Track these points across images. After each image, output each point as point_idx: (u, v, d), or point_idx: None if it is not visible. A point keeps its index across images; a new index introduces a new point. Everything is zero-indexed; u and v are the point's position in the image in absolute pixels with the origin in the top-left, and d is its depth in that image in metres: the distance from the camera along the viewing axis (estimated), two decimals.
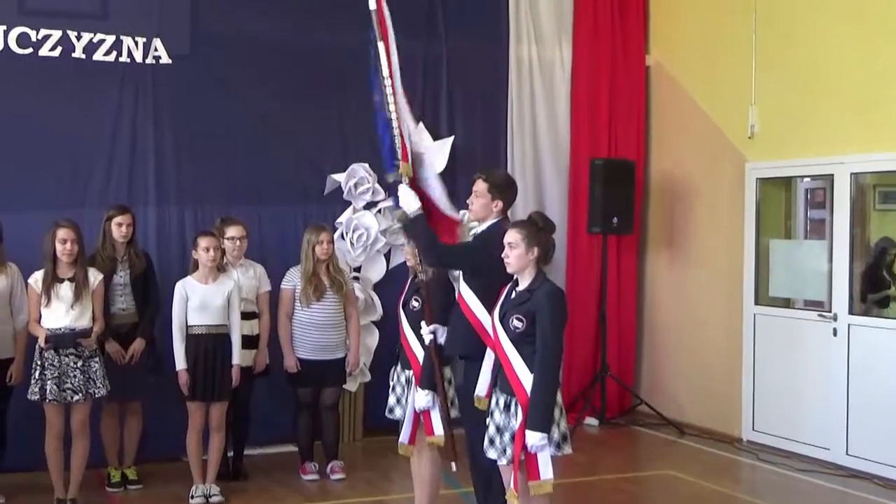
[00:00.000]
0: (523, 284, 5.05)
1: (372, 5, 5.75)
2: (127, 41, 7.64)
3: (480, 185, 5.56)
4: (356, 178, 8.23)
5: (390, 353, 8.13)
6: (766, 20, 8.38)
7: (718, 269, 8.86)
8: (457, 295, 5.54)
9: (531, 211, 8.17)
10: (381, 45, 5.82)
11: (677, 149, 9.40)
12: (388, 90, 5.76)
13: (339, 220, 8.17)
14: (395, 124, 5.70)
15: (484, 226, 5.57)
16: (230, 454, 7.21)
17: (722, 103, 8.82)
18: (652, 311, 9.68)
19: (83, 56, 7.52)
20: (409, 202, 5.59)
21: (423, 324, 5.73)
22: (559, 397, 4.96)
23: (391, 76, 5.78)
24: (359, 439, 8.45)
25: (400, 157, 5.67)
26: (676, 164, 9.40)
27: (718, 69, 8.86)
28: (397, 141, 5.67)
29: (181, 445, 6.84)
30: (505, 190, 5.60)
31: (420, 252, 5.67)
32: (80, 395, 6.36)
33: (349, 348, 7.40)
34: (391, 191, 8.26)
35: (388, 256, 8.48)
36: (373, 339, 8.25)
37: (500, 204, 5.55)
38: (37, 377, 6.34)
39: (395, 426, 8.24)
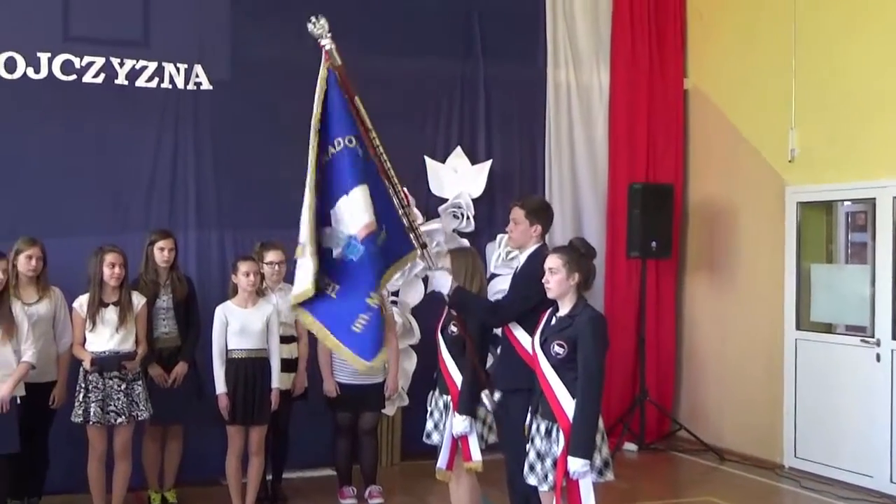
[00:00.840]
0: (564, 310, 5.06)
1: (335, 60, 5.43)
2: (168, 67, 7.77)
3: (518, 213, 5.65)
4: None
5: (428, 377, 8.20)
6: (805, 42, 8.36)
7: (759, 294, 8.80)
8: (504, 328, 5.59)
9: (570, 236, 8.44)
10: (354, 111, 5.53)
11: (716, 173, 9.37)
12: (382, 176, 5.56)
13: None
14: (398, 209, 5.58)
15: (525, 254, 5.65)
16: (269, 478, 7.23)
17: (761, 127, 8.79)
18: (691, 336, 9.63)
19: (126, 82, 7.65)
20: (443, 283, 5.64)
21: (484, 394, 5.69)
22: (601, 423, 4.95)
23: (376, 155, 5.56)
24: (396, 463, 8.46)
25: (416, 245, 5.63)
26: (715, 188, 9.37)
27: (757, 92, 8.84)
28: (405, 226, 5.61)
29: (221, 469, 6.90)
30: (542, 214, 5.68)
31: (479, 320, 5.69)
32: (124, 417, 6.43)
33: (388, 372, 7.40)
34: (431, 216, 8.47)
35: (426, 281, 8.41)
36: (411, 363, 8.27)
37: (539, 228, 5.63)
38: (81, 399, 6.43)
39: (433, 450, 8.34)
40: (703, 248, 9.50)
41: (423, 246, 5.68)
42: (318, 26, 5.34)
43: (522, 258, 5.68)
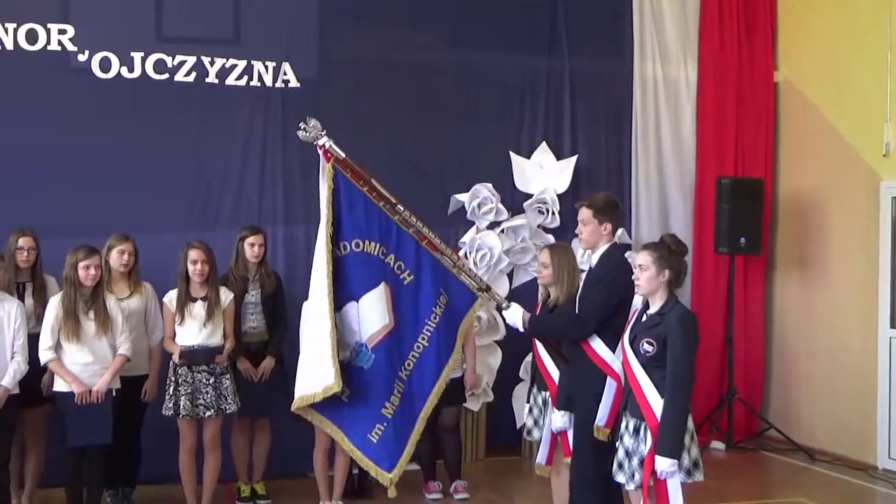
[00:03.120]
0: (654, 307, 5.04)
1: (338, 154, 5.46)
2: (257, 65, 7.94)
3: (585, 213, 5.64)
4: (479, 198, 8.34)
5: (513, 372, 8.40)
6: None
7: (851, 292, 8.66)
8: None
9: (656, 232, 8.47)
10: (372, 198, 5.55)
11: (807, 167, 9.25)
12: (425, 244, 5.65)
13: (462, 240, 8.30)
14: (450, 268, 5.69)
15: (596, 255, 5.64)
16: (355, 471, 7.30)
17: (854, 120, 8.65)
18: (781, 333, 9.52)
19: (216, 81, 7.85)
20: (516, 318, 5.70)
21: (553, 411, 5.83)
22: (690, 423, 4.92)
23: (409, 225, 5.60)
24: (481, 459, 8.51)
25: (477, 289, 5.74)
26: (806, 182, 9.24)
27: (850, 85, 8.70)
28: (464, 279, 5.71)
29: (308, 462, 7.02)
30: (610, 212, 5.65)
31: (564, 339, 5.75)
32: (212, 410, 6.60)
33: (465, 368, 7.43)
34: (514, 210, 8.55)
35: (511, 276, 8.56)
36: (495, 359, 8.32)
37: (609, 226, 5.60)
38: (171, 393, 6.61)
39: (519, 446, 8.55)
40: (794, 244, 9.38)
41: (487, 289, 5.77)
42: (311, 128, 5.39)
43: (594, 259, 5.66)
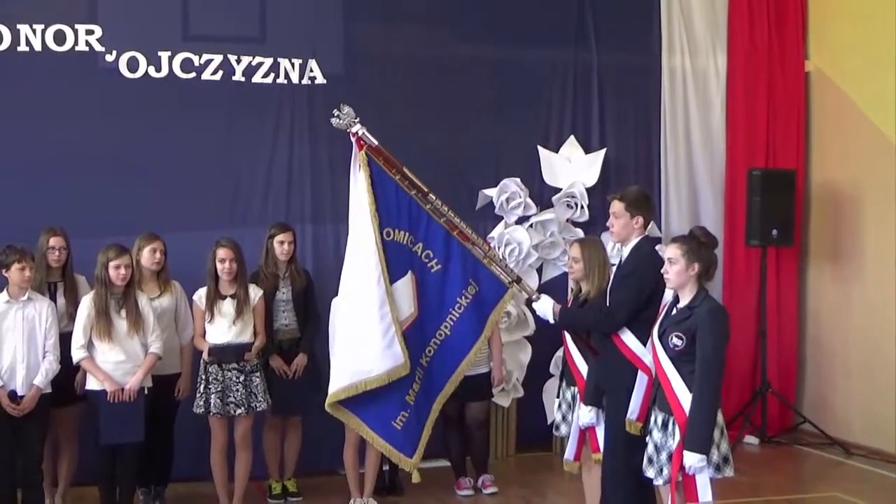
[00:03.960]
0: (684, 301, 5.05)
1: (371, 142, 5.59)
2: (284, 63, 8.01)
3: (617, 206, 5.67)
4: (507, 192, 8.38)
5: (543, 368, 8.43)
6: None
7: (887, 283, 8.64)
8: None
9: (686, 224, 8.48)
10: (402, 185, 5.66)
11: (840, 157, 9.23)
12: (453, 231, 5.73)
13: (490, 235, 8.32)
14: (481, 258, 5.75)
15: (627, 248, 5.67)
16: (386, 468, 7.38)
17: (888, 109, 8.61)
18: (815, 326, 9.51)
19: (243, 79, 7.93)
20: (546, 310, 5.75)
21: (580, 406, 5.91)
22: (720, 418, 4.93)
23: (441, 215, 5.71)
24: (512, 455, 8.56)
25: (508, 281, 5.79)
26: (840, 173, 9.22)
27: (884, 73, 8.65)
28: (494, 270, 5.77)
29: (339, 459, 7.12)
30: (642, 205, 5.70)
31: (594, 331, 5.78)
32: (243, 408, 6.69)
33: (492, 363, 7.48)
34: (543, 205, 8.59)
35: (540, 271, 8.61)
36: (525, 354, 8.37)
37: (641, 220, 5.64)
38: (201, 391, 6.71)
39: (549, 442, 8.54)
40: (827, 236, 9.36)
41: (518, 280, 5.82)
42: (344, 115, 5.51)
43: (626, 252, 5.70)
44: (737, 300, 9.10)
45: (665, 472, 4.95)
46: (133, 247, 6.73)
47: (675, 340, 4.93)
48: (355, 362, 5.53)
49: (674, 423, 4.91)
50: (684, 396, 4.88)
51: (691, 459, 4.79)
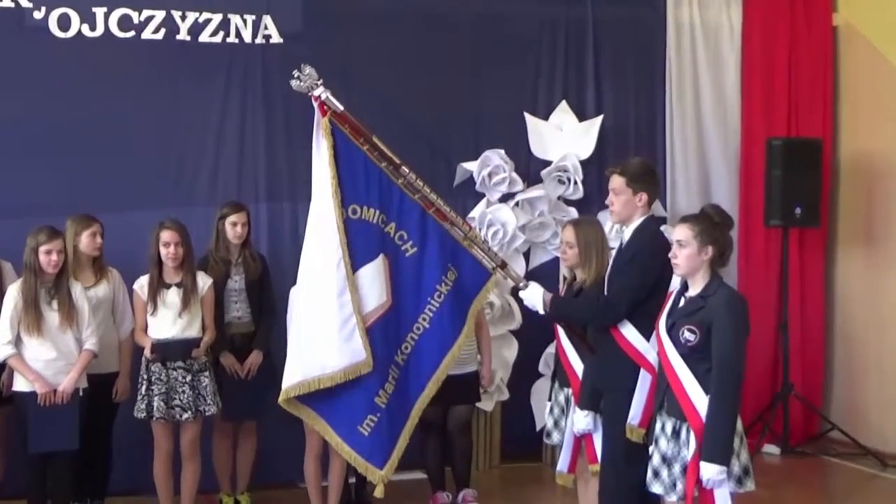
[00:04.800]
0: (695, 289, 5.19)
1: (336, 107, 5.76)
2: (235, 20, 8.26)
3: (617, 181, 5.84)
4: (490, 166, 8.61)
5: (532, 367, 8.59)
6: None
7: None
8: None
9: (696, 202, 8.58)
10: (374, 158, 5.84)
11: (874, 124, 9.47)
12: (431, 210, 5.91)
13: (471, 214, 8.54)
14: (460, 240, 5.94)
15: (629, 230, 5.85)
16: (352, 480, 7.61)
17: None
18: (845, 320, 9.78)
19: (188, 38, 8.17)
20: (535, 299, 5.90)
21: (575, 410, 6.12)
22: (739, 424, 5.07)
23: (416, 190, 5.87)
24: (495, 466, 8.85)
25: (491, 266, 6.01)
26: (874, 142, 9.47)
27: None
28: (476, 254, 5.98)
29: (299, 470, 7.41)
30: (646, 180, 5.87)
31: (590, 325, 5.99)
32: (190, 412, 6.94)
33: (481, 361, 7.72)
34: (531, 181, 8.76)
35: (527, 256, 8.85)
36: (511, 351, 8.61)
37: (644, 197, 5.81)
38: (143, 393, 6.94)
39: (538, 451, 8.77)
40: (859, 215, 9.64)
41: (503, 266, 6.02)
42: (306, 77, 5.70)
43: (627, 234, 5.85)
44: (754, 289, 9.27)
45: (679, 486, 5.07)
46: (66, 230, 6.96)
47: (688, 334, 5.05)
48: (309, 356, 5.75)
49: (688, 431, 5.04)
50: (699, 399, 5.00)
51: (710, 472, 4.90)
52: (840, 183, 9.82)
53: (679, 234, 5.20)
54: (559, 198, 8.95)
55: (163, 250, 7.02)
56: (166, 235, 7.02)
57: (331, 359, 5.69)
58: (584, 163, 8.93)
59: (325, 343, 5.71)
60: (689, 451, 5.04)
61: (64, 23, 7.96)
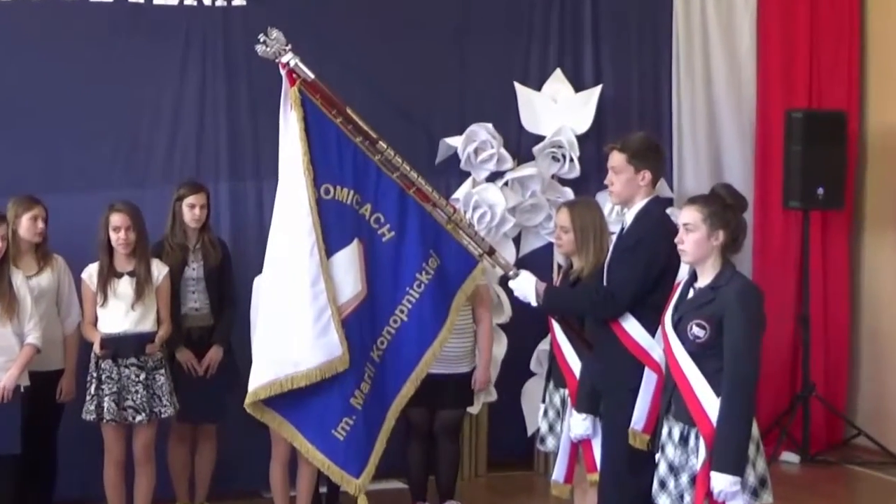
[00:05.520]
0: (704, 279, 5.30)
1: (306, 75, 5.93)
2: None
3: (618, 158, 6.02)
4: (476, 142, 8.82)
5: (523, 365, 8.85)
6: None
7: None
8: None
9: (706, 182, 8.80)
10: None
11: None
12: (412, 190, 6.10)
13: (455, 195, 8.77)
14: (443, 223, 6.14)
15: (631, 212, 6.03)
16: (324, 490, 7.90)
17: None
18: (873, 312, 10.06)
19: (141, 0, 8.36)
20: (527, 290, 6.08)
21: (572, 413, 6.33)
22: (755, 429, 5.19)
23: (393, 168, 6.06)
24: (482, 475, 9.15)
25: (478, 253, 6.22)
26: None
27: None
28: (461, 239, 6.18)
29: (264, 478, 7.70)
30: (650, 157, 6.05)
31: (586, 315, 6.22)
32: (143, 414, 7.18)
33: (478, 361, 7.98)
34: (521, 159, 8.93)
35: (518, 241, 9.09)
36: (500, 347, 8.78)
37: (648, 175, 5.99)
38: (92, 392, 7.19)
39: (529, 458, 9.07)
40: (888, 196, 9.91)
41: (491, 252, 6.22)
42: (273, 41, 5.88)
43: (629, 217, 6.03)
44: (771, 279, 9.52)
45: (687, 499, 5.19)
46: (6, 213, 7.17)
47: (696, 330, 5.16)
48: (280, 352, 5.92)
49: (697, 437, 5.15)
50: (710, 402, 5.11)
51: (722, 483, 5.00)
52: (867, 160, 10.05)
53: (686, 218, 5.31)
54: (553, 177, 9.17)
55: (112, 235, 7.24)
56: (116, 219, 7.24)
57: (305, 355, 5.88)
58: (580, 138, 9.13)
59: (298, 338, 5.89)
60: (698, 460, 5.16)
61: None
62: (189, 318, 7.78)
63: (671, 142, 9.61)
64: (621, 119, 9.40)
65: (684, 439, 5.26)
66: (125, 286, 7.29)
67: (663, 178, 8.48)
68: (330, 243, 5.94)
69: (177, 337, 7.62)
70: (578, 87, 9.40)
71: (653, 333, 5.79)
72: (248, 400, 6.00)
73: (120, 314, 7.28)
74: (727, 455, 5.05)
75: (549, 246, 8.82)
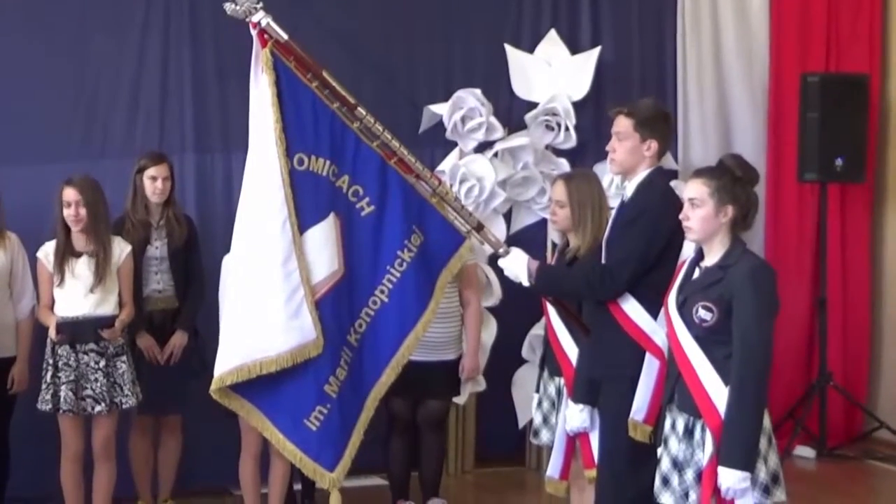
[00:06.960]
0: (712, 258, 5.37)
1: (279, 36, 5.98)
2: None
3: (624, 123, 6.05)
4: (463, 109, 8.96)
5: (513, 351, 9.03)
6: None
7: None
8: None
9: (714, 153, 8.91)
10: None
11: None
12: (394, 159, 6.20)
13: (440, 167, 8.95)
14: (427, 196, 6.26)
15: (633, 184, 6.09)
16: (297, 487, 8.09)
17: None
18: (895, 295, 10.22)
19: None
20: (518, 268, 6.15)
21: (568, 404, 6.45)
22: (767, 421, 5.27)
23: (373, 137, 6.17)
24: (469, 470, 9.38)
25: (465, 230, 6.34)
26: None
27: None
28: (447, 214, 6.31)
29: (233, 473, 7.79)
30: (658, 126, 6.08)
31: (583, 299, 6.35)
32: (103, 404, 7.27)
33: (466, 347, 8.11)
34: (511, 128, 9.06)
35: (508, 216, 9.31)
36: (489, 332, 8.90)
37: (654, 145, 6.03)
38: (48, 381, 7.27)
39: (520, 452, 9.27)
40: None
41: (479, 228, 6.32)
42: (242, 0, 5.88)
43: (630, 189, 6.09)
44: (785, 258, 9.83)
45: (692, 496, 5.26)
46: None
47: (703, 313, 5.23)
48: (248, 336, 6.02)
49: (703, 429, 5.21)
50: (717, 392, 5.17)
51: (730, 479, 5.08)
52: (890, 129, 10.23)
53: (692, 192, 5.37)
54: (547, 147, 9.33)
55: (65, 211, 7.33)
56: (68, 194, 7.32)
57: (275, 339, 5.99)
58: (576, 105, 9.28)
59: (268, 320, 6.00)
60: (704, 454, 5.22)
61: None
62: (152, 300, 7.92)
63: (676, 108, 9.76)
64: (621, 84, 9.56)
65: (689, 432, 5.34)
66: (83, 266, 7.38)
67: (669, 150, 8.63)
68: (303, 218, 6.03)
69: (138, 321, 7.70)
70: (575, 49, 9.52)
71: (655, 316, 5.87)
72: (213, 385, 6.10)
73: (78, 296, 7.38)
74: (736, 449, 5.12)
75: (543, 222, 9.00)
